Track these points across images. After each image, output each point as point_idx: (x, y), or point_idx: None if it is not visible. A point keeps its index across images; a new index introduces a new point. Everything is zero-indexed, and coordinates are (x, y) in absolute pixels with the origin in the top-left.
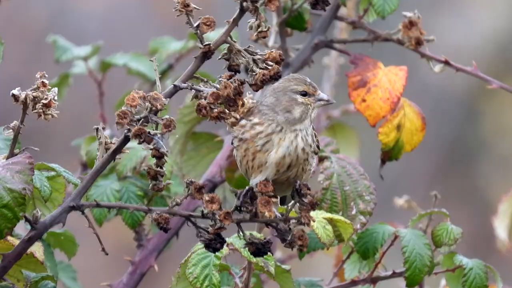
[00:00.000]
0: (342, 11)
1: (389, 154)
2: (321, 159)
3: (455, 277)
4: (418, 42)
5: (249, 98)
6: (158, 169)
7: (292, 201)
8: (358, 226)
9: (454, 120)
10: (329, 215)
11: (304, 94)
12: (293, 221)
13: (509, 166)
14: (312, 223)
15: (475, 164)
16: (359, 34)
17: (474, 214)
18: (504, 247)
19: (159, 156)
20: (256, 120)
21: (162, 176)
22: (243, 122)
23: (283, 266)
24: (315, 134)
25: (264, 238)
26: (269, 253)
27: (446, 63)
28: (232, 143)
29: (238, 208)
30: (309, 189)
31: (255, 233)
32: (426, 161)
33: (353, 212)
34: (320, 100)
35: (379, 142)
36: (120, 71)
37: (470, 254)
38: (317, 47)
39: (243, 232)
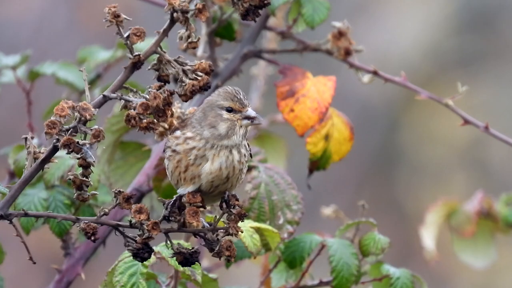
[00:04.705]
0: (271, 21)
1: (317, 164)
2: (249, 169)
3: (382, 286)
4: (347, 52)
5: (177, 107)
6: (84, 178)
7: (221, 212)
8: (286, 235)
9: (377, 129)
10: (256, 224)
11: (230, 110)
12: (221, 231)
13: (430, 174)
14: (240, 233)
15: (398, 173)
16: (288, 44)
17: (398, 222)
18: (431, 257)
19: (86, 166)
20: (189, 134)
21: (87, 186)
22: (177, 133)
23: (210, 275)
24: (247, 143)
25: (192, 248)
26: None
27: (375, 73)
28: (164, 151)
29: (166, 217)
30: (237, 200)
31: (182, 242)
32: (351, 170)
33: (281, 221)
34: (247, 117)
35: (307, 152)
36: (48, 80)
37: (396, 263)
38: (246, 57)
39: (171, 242)
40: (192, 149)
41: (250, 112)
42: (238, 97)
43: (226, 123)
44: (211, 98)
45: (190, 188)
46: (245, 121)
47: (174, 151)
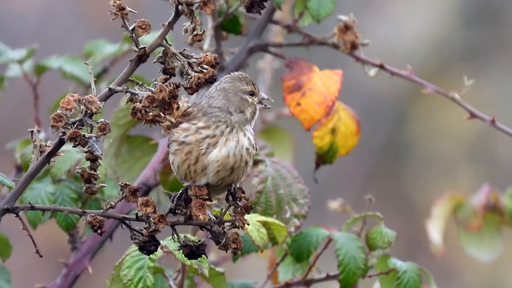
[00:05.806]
0: (277, 15)
1: (323, 158)
2: (256, 163)
3: (389, 280)
4: (353, 46)
5: (183, 101)
6: (92, 171)
7: (227, 204)
8: (292, 229)
9: (384, 123)
10: (263, 218)
11: (252, 94)
12: (228, 224)
13: (437, 168)
14: (246, 226)
15: (405, 166)
16: (294, 38)
17: (405, 216)
18: (437, 250)
19: (93, 159)
20: (201, 124)
21: (95, 179)
22: (185, 125)
23: (217, 269)
24: (254, 137)
25: (199, 241)
26: (203, 255)
27: (381, 67)
28: (168, 147)
29: (172, 210)
30: (243, 192)
31: (189, 235)
32: (358, 164)
33: (287, 215)
34: (261, 99)
35: (313, 146)
36: (54, 74)
37: (404, 256)
38: (252, 50)
39: (177, 235)
40: (205, 138)
41: (263, 94)
42: (252, 80)
43: (251, 107)
44: (232, 85)
45: (203, 180)
46: (259, 105)
47: (182, 142)
